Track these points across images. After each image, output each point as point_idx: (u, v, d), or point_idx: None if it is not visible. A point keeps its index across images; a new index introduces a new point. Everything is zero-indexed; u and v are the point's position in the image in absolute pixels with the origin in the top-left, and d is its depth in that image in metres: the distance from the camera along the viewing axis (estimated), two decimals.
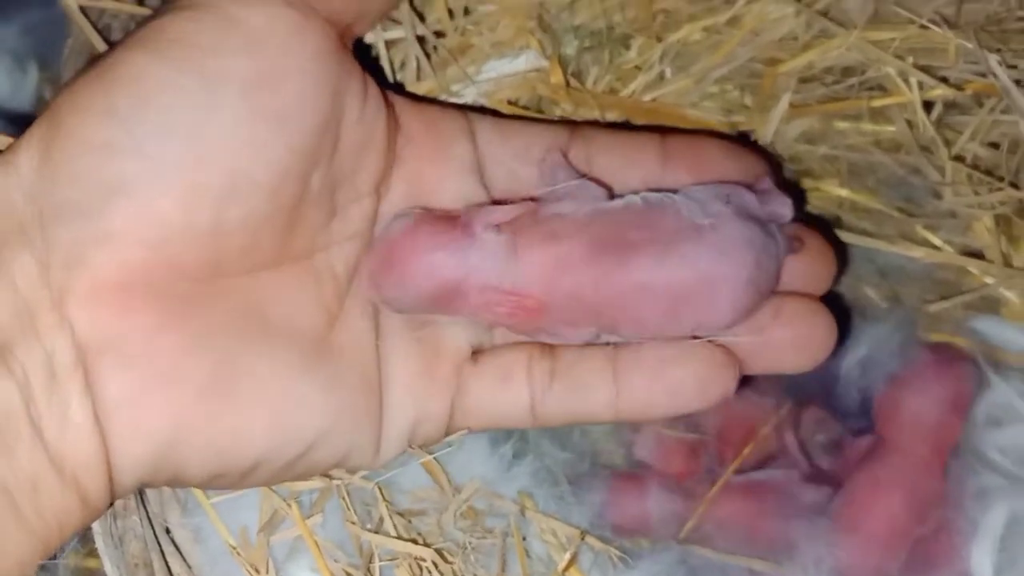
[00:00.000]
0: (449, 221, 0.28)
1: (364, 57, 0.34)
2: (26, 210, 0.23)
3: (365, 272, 0.28)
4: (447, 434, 0.29)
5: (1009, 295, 0.38)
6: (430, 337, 0.29)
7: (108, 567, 0.27)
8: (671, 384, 0.29)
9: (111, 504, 0.25)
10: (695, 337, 0.29)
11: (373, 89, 0.28)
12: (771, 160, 0.35)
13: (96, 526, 0.27)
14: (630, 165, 0.31)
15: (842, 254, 0.38)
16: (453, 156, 0.30)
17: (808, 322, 0.30)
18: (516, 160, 0.31)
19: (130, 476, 0.24)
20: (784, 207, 0.30)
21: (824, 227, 0.37)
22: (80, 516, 0.24)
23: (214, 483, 0.26)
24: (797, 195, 0.36)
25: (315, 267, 0.27)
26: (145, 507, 0.28)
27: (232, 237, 0.24)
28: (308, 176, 0.26)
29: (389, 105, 0.29)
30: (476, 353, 0.29)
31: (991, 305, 0.38)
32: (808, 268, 0.31)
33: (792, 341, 0.30)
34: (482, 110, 0.34)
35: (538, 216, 0.29)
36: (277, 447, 0.25)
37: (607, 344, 0.30)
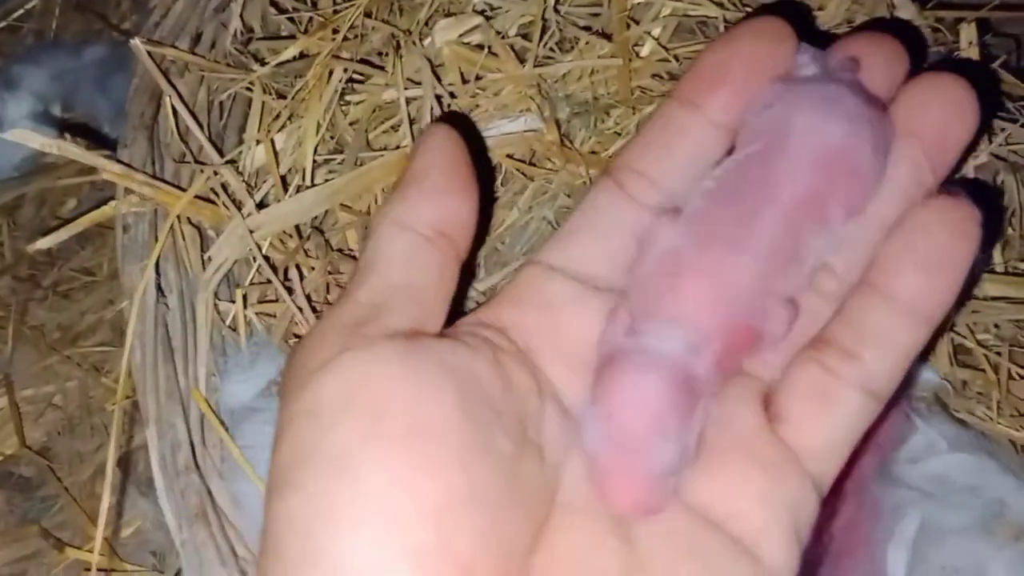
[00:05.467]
0: (674, 394, 0.24)
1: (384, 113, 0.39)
2: None
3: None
4: None
5: None
6: None
7: (169, 517, 0.31)
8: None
9: None
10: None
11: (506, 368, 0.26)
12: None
13: (159, 481, 0.31)
14: None
15: None
16: (562, 326, 0.28)
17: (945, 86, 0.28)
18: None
19: None
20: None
21: None
22: None
23: None
24: None
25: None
26: (199, 467, 0.32)
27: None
28: (508, 470, 0.24)
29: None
30: None
31: None
32: None
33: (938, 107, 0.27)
34: None
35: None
36: None
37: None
